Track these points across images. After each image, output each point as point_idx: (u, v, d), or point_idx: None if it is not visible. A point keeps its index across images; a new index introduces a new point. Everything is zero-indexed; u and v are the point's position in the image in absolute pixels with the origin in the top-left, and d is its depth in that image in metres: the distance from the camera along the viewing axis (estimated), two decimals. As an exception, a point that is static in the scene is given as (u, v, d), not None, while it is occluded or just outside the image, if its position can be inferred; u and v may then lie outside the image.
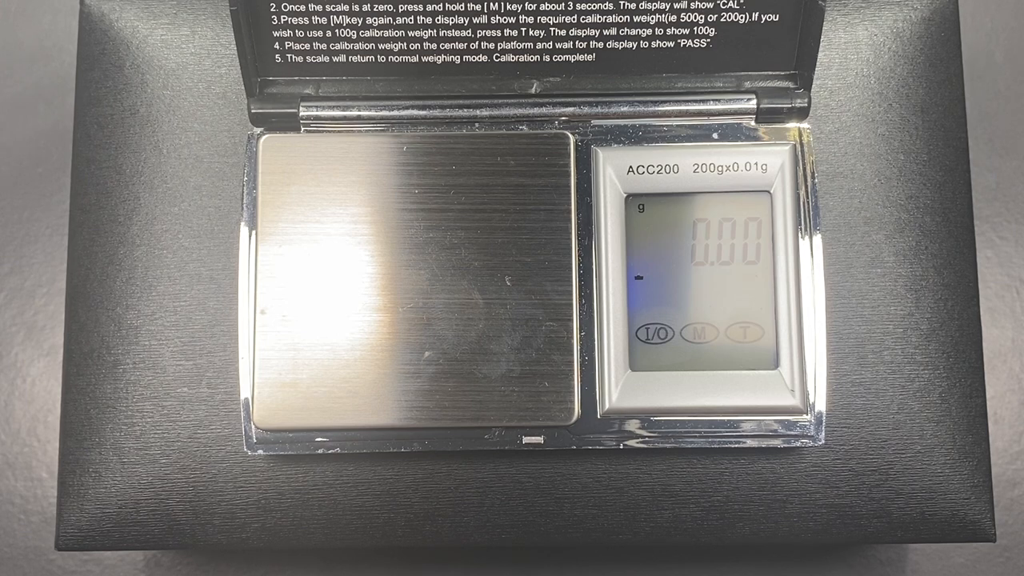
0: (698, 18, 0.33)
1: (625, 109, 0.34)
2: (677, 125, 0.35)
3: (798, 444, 0.34)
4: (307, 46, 0.33)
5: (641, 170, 0.34)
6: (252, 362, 0.33)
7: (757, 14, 0.33)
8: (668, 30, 0.33)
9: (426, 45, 0.33)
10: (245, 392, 0.33)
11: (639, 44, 0.33)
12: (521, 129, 0.34)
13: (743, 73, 0.34)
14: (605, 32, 0.33)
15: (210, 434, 0.35)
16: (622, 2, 0.32)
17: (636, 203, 0.34)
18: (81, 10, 0.37)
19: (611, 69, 0.34)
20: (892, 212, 0.35)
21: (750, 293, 0.34)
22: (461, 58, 0.34)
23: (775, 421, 0.33)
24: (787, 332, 0.33)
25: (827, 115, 0.36)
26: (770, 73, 0.34)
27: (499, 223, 0.33)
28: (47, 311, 0.43)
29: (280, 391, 0.32)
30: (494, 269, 0.33)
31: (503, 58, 0.34)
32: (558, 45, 0.33)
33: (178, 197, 0.35)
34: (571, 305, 0.33)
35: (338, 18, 0.33)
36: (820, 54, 0.36)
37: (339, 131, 0.34)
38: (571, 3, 0.32)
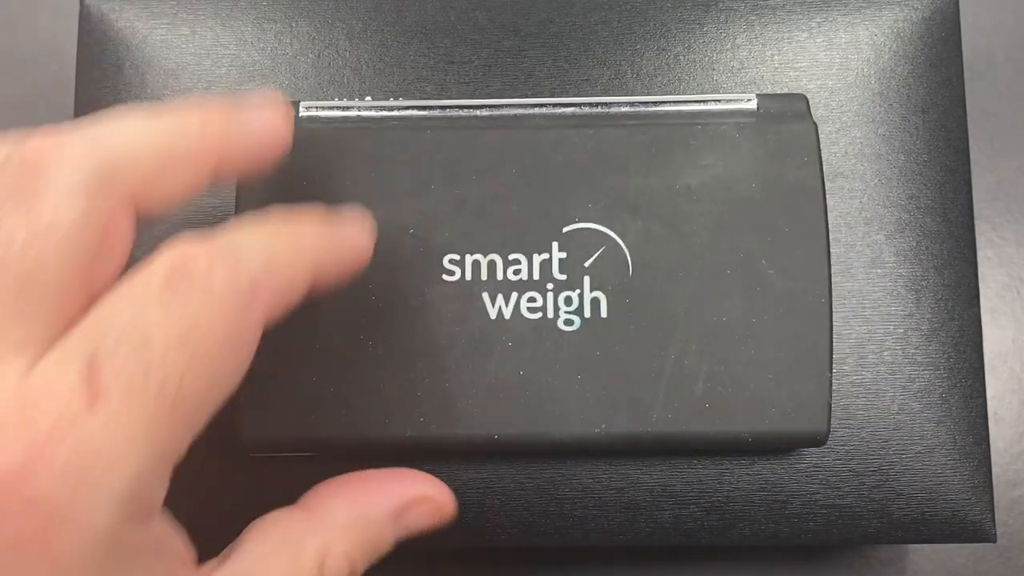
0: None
1: (625, 110, 0.34)
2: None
3: (798, 445, 0.34)
4: None
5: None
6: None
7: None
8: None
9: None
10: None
11: None
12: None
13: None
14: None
15: (210, 434, 0.34)
16: None
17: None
18: (81, 10, 0.37)
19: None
20: (893, 212, 0.35)
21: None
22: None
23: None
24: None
25: (827, 115, 0.36)
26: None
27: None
28: (47, 311, 0.42)
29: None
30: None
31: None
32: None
33: (178, 197, 0.35)
34: None
35: None
36: (820, 54, 0.36)
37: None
38: None
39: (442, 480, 0.34)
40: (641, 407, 0.32)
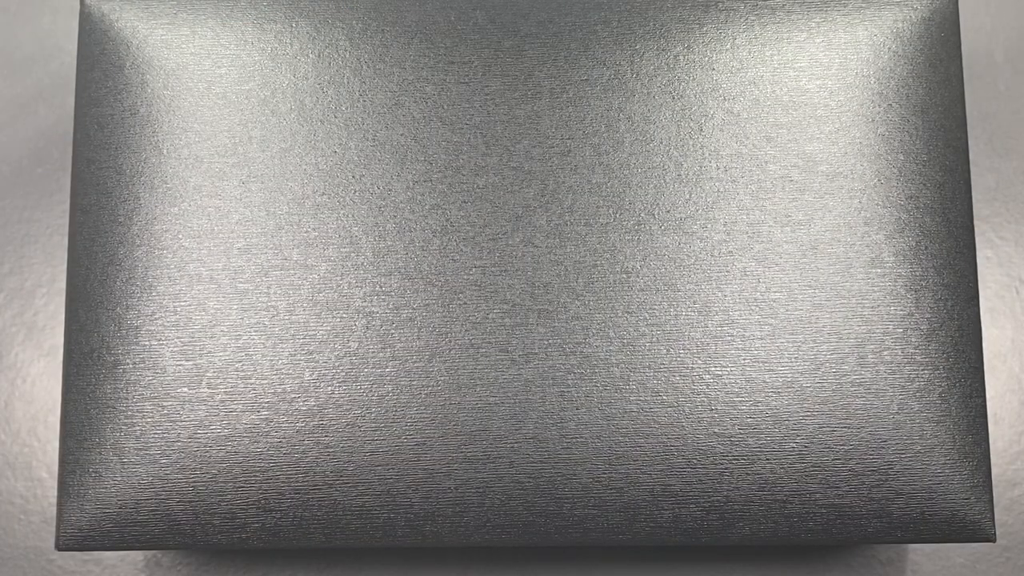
0: None
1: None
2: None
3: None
4: None
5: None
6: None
7: None
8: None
9: None
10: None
11: None
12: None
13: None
14: None
15: (210, 434, 0.35)
16: None
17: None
18: (81, 10, 0.37)
19: None
20: (892, 212, 0.35)
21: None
22: None
23: (775, 421, 0.34)
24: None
25: (827, 115, 0.36)
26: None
27: None
28: (47, 311, 0.43)
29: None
30: None
31: None
32: None
33: (178, 197, 0.35)
34: None
35: None
36: (820, 54, 0.36)
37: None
38: None
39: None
40: None
